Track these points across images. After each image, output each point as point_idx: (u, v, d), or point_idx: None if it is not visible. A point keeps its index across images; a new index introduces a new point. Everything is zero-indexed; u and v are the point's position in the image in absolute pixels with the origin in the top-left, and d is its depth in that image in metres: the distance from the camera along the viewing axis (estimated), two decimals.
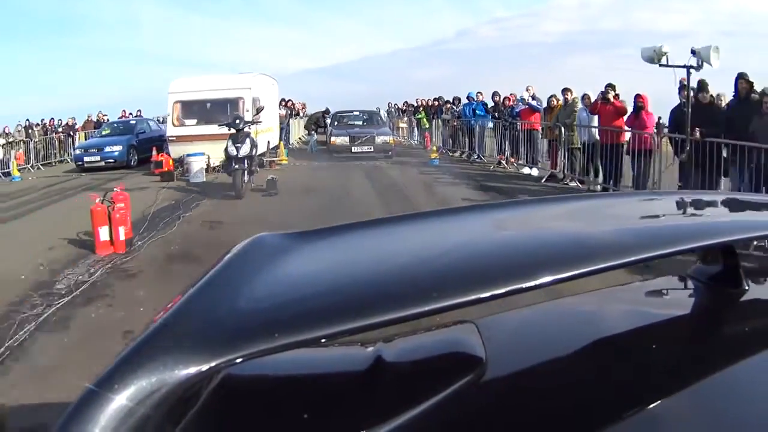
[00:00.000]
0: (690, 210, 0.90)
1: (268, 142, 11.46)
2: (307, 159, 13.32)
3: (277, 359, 0.53)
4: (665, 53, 5.46)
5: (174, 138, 10.69)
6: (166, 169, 10.07)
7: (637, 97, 7.00)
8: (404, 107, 18.88)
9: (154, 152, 11.70)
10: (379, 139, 12.98)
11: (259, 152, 9.44)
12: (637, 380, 0.63)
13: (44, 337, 3.29)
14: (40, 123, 16.13)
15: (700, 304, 0.86)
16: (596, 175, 7.39)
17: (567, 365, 0.69)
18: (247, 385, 0.65)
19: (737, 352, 0.67)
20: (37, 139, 14.81)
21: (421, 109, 15.96)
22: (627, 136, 6.95)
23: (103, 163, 12.29)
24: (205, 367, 0.46)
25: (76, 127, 16.36)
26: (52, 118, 16.79)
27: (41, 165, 13.91)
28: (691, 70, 5.37)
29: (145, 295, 3.97)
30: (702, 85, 5.87)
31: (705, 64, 5.39)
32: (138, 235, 5.64)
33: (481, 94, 12.24)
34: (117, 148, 12.56)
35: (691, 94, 5.48)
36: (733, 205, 0.96)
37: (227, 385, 0.62)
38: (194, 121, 10.76)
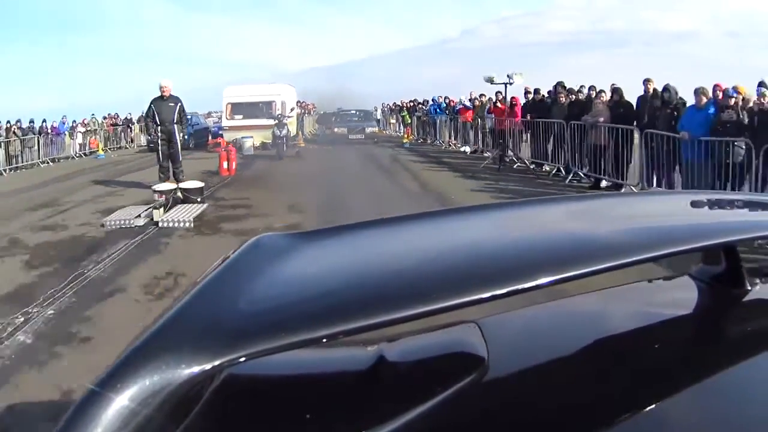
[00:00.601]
0: (692, 210, 0.88)
1: (289, 130, 16.11)
2: (317, 143, 18.44)
3: (280, 359, 0.53)
4: (493, 77, 10.38)
5: (228, 128, 16.00)
6: (223, 147, 15.01)
7: (513, 98, 11.06)
8: (393, 107, 23.95)
9: (210, 137, 16.82)
10: (368, 130, 19.53)
11: (288, 136, 14.62)
12: (639, 380, 0.62)
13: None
14: (106, 117, 21.23)
15: (702, 305, 0.85)
16: (494, 147, 11.77)
17: (569, 365, 0.68)
18: (249, 385, 0.64)
19: (740, 353, 0.67)
20: (105, 129, 19.80)
21: (404, 108, 21.01)
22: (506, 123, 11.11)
23: None
24: (207, 367, 0.46)
25: (132, 119, 21.49)
26: (117, 113, 21.94)
27: (109, 148, 18.91)
28: (508, 85, 10.44)
29: (245, 186, 8.79)
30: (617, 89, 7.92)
31: (514, 81, 10.25)
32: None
33: (441, 98, 17.14)
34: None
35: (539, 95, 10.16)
36: (734, 205, 0.95)
37: (230, 385, 0.61)
38: (241, 116, 16.02)
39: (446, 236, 0.72)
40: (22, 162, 15.00)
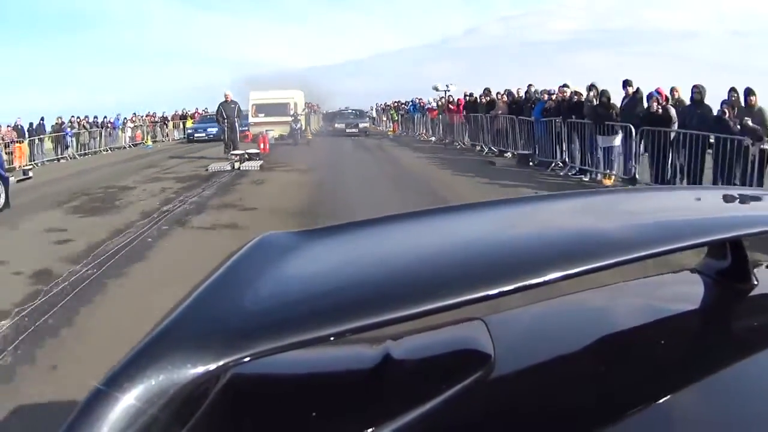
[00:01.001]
0: (697, 205, 0.87)
1: (302, 124, 21.60)
2: (322, 136, 23.94)
3: (285, 358, 0.53)
4: (438, 86, 16.15)
5: (253, 123, 20.70)
6: (250, 138, 19.54)
7: (459, 99, 16.11)
8: (384, 106, 28.89)
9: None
10: (361, 126, 24.37)
11: (301, 129, 20.41)
12: (646, 376, 0.62)
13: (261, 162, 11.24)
14: (147, 114, 26.03)
15: (708, 300, 0.85)
16: (445, 135, 16.75)
17: (575, 362, 0.68)
18: (254, 384, 0.65)
19: (746, 348, 0.67)
20: (146, 125, 24.52)
21: (392, 107, 25.95)
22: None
23: (205, 137, 22.03)
24: (212, 367, 0.45)
25: (168, 117, 26.30)
26: (155, 112, 26.75)
27: (151, 140, 23.62)
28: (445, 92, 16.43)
29: (279, 157, 13.43)
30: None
31: (447, 90, 16.17)
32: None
33: (420, 99, 21.97)
34: (214, 129, 22.01)
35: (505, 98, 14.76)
36: (741, 200, 0.92)
37: (235, 384, 0.61)
38: (263, 114, 20.96)
39: (452, 233, 0.71)
40: (88, 150, 19.66)
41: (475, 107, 14.42)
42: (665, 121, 7.52)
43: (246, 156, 11.72)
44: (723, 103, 6.82)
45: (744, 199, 0.93)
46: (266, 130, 19.11)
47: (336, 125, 25.54)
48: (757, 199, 0.93)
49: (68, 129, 19.12)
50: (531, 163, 10.28)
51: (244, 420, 0.59)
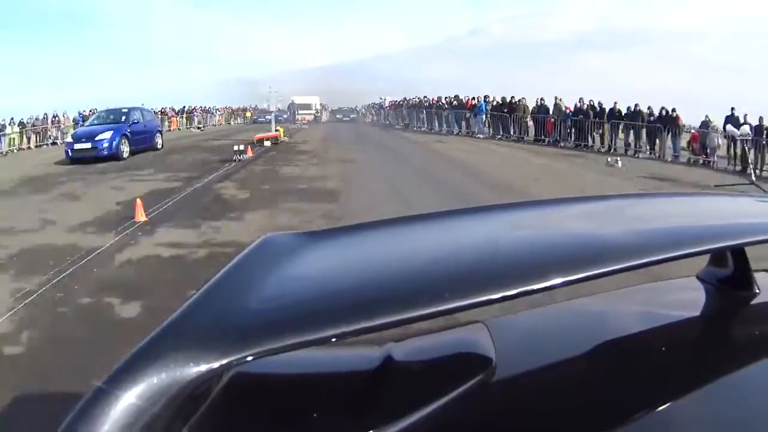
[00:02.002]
0: (701, 212, 0.86)
1: (319, 115, 41.08)
2: (330, 122, 41.30)
3: (287, 359, 0.53)
4: (386, 97, 35.06)
5: (298, 113, 38.29)
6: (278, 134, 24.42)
7: (393, 102, 32.91)
8: (371, 105, 44.72)
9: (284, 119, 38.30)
10: (351, 116, 44.09)
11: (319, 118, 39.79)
12: (647, 382, 0.63)
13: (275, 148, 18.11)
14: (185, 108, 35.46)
15: (711, 307, 0.86)
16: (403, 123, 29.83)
17: (577, 366, 0.69)
18: (256, 384, 0.65)
19: (748, 355, 0.68)
20: (181, 117, 33.47)
21: (372, 105, 42.47)
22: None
23: (264, 121, 35.11)
24: (214, 366, 0.46)
25: (194, 109, 36.76)
26: (186, 106, 35.31)
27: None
28: (385, 100, 35.11)
29: (311, 128, 31.45)
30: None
31: (384, 99, 34.88)
32: (289, 134, 23.78)
33: (385, 99, 37.31)
34: (269, 116, 34.85)
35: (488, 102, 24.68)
36: (745, 208, 0.93)
37: (237, 383, 0.62)
38: (301, 110, 39.11)
39: (455, 237, 0.70)
40: (192, 125, 32.97)
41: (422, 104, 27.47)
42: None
43: (302, 125, 29.26)
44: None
45: (747, 207, 0.93)
46: (304, 116, 35.97)
47: (337, 116, 44.92)
48: (760, 206, 0.93)
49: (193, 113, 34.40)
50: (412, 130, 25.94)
51: (246, 419, 0.59)
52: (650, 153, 16.17)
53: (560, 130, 18.52)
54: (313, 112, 40.53)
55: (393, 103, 33.08)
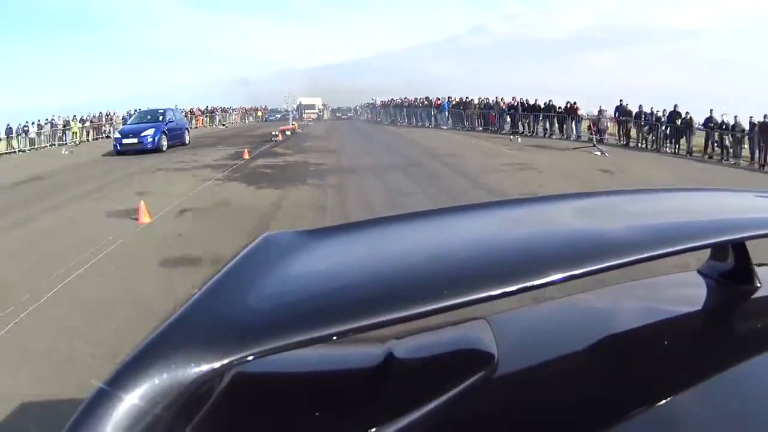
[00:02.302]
0: (702, 207, 0.86)
1: (322, 114, 50.25)
2: (330, 120, 50.25)
3: (288, 357, 0.53)
4: (375, 98, 43.90)
5: (304, 113, 48.19)
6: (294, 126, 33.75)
7: (383, 101, 40.79)
8: (366, 105, 51.61)
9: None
10: (349, 115, 55.52)
11: (321, 116, 49.19)
12: (649, 377, 0.63)
13: (274, 147, 21.28)
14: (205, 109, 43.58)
15: (712, 301, 0.85)
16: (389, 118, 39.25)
17: (578, 362, 0.68)
18: (258, 383, 0.64)
19: (749, 349, 0.67)
20: (205, 116, 41.49)
21: (367, 105, 49.24)
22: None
23: (274, 119, 44.44)
24: (216, 366, 0.46)
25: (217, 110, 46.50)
26: (209, 106, 43.67)
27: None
28: (377, 100, 45.45)
29: (314, 126, 37.61)
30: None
31: (375, 99, 45.04)
32: (300, 128, 32.85)
33: (376, 100, 45.98)
34: (278, 115, 45.01)
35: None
36: (745, 202, 0.92)
37: (239, 383, 0.61)
38: (306, 109, 49.10)
39: (456, 234, 0.70)
40: (215, 123, 40.91)
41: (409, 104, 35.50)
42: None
43: (308, 122, 37.57)
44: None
45: (747, 201, 0.92)
46: (309, 115, 42.43)
47: (336, 114, 54.29)
48: (760, 200, 0.91)
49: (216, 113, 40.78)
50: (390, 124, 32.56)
51: (248, 419, 0.58)
52: (560, 135, 22.36)
53: (499, 121, 24.81)
54: (317, 111, 49.16)
55: (383, 103, 40.46)
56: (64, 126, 27.88)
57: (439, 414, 0.55)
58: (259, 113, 47.40)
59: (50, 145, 26.18)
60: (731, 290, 0.84)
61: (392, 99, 38.36)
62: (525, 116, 24.23)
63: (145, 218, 7.82)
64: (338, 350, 0.72)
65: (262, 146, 19.59)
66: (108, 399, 0.44)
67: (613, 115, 21.02)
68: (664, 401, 0.58)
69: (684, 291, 0.92)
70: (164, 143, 19.09)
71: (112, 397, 0.44)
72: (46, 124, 27.47)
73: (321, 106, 51.80)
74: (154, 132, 18.78)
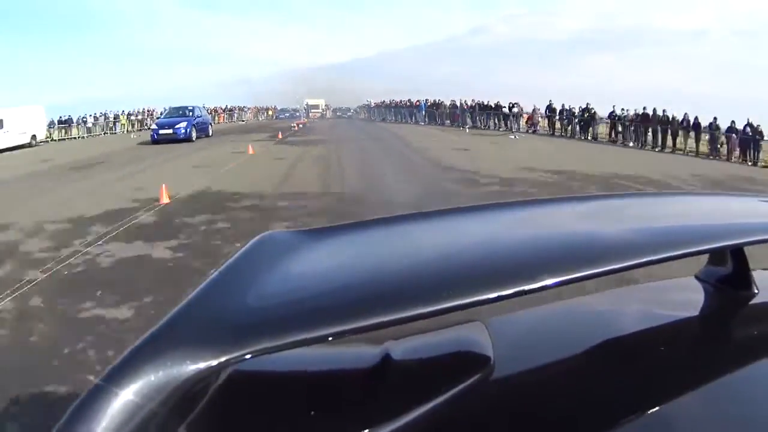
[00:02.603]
0: (700, 212, 0.86)
1: (326, 114, 57.89)
2: (332, 118, 57.25)
3: (285, 356, 0.53)
4: (370, 100, 47.50)
5: (310, 112, 57.36)
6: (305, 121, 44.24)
7: (376, 102, 46.01)
8: (364, 105, 58.12)
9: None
10: (348, 114, 61.45)
11: (325, 115, 55.44)
12: (645, 382, 0.62)
13: (296, 133, 29.43)
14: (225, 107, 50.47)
15: (709, 307, 0.84)
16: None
17: (574, 365, 0.68)
18: (254, 382, 0.64)
19: (746, 355, 0.67)
20: (224, 113, 47.47)
21: (365, 105, 55.98)
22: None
23: (284, 117, 52.25)
24: (212, 364, 0.45)
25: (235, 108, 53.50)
26: (227, 105, 51.15)
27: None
28: (371, 102, 50.47)
29: (318, 122, 45.47)
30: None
31: (370, 101, 49.49)
32: (306, 124, 40.32)
33: (371, 101, 53.11)
34: (287, 114, 54.86)
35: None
36: (744, 207, 0.91)
37: (235, 381, 0.61)
38: (312, 109, 59.05)
39: (454, 236, 0.70)
40: (233, 120, 46.62)
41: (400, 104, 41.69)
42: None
43: (313, 119, 44.84)
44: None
45: (747, 207, 0.91)
46: (314, 113, 50.22)
47: (337, 114, 60.33)
48: (760, 206, 0.91)
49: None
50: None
51: (243, 418, 0.58)
52: (505, 128, 28.97)
53: (462, 118, 31.49)
54: (321, 110, 57.06)
55: (376, 104, 46.89)
56: (114, 119, 35.08)
57: (434, 415, 0.55)
58: (270, 112, 54.63)
59: (104, 134, 33.22)
60: (729, 295, 0.84)
61: (383, 101, 45.91)
62: (480, 114, 30.72)
63: (250, 152, 16.36)
64: (334, 350, 0.72)
65: (287, 132, 26.81)
66: (104, 395, 0.44)
67: (543, 112, 27.48)
68: (660, 406, 0.58)
69: (681, 296, 0.92)
70: (194, 134, 21.86)
71: (108, 393, 0.44)
72: (100, 116, 34.63)
73: (324, 107, 60.10)
74: (186, 125, 21.59)
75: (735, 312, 0.84)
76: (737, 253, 0.82)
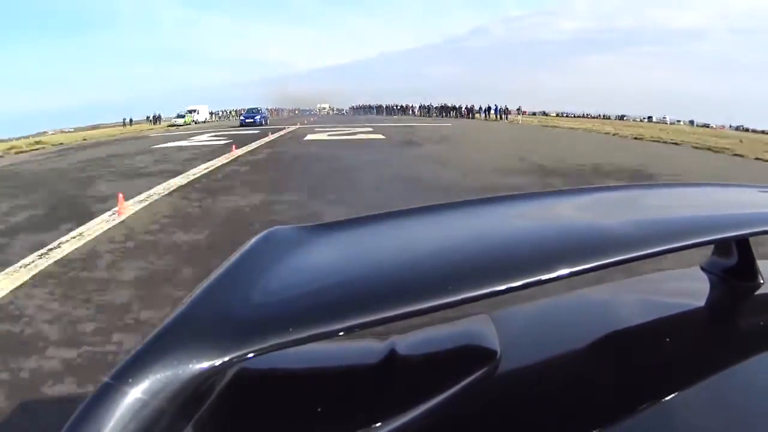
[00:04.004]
0: (706, 202, 0.86)
1: (330, 112, 73.82)
2: (334, 116, 76.07)
3: (291, 353, 0.52)
4: (369, 102, 75.11)
5: (317, 112, 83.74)
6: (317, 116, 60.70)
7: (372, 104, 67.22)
8: (357, 106, 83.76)
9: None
10: (343, 113, 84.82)
11: (329, 113, 68.73)
12: (651, 373, 0.63)
13: (314, 122, 46.89)
14: (239, 109, 72.69)
15: (715, 298, 0.85)
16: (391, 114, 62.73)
17: (581, 357, 0.69)
18: (260, 379, 0.65)
19: (751, 346, 0.68)
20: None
21: (361, 106, 76.69)
22: None
23: (301, 115, 75.88)
24: (219, 362, 0.46)
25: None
26: (275, 107, 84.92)
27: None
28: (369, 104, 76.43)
29: (322, 120, 53.90)
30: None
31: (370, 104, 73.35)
32: (319, 118, 59.32)
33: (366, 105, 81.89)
34: (306, 112, 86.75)
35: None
36: (750, 198, 0.91)
37: (241, 378, 0.62)
38: (322, 109, 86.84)
39: (461, 228, 0.70)
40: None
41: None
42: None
43: (321, 115, 65.63)
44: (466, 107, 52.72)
45: (752, 197, 0.91)
46: (321, 112, 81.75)
47: (335, 112, 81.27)
48: (765, 197, 0.91)
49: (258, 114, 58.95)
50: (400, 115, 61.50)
51: (250, 415, 0.59)
52: (462, 117, 53.44)
53: (429, 113, 58.52)
54: (327, 110, 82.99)
55: (359, 106, 61.13)
56: (231, 112, 63.77)
57: (441, 409, 0.55)
58: (296, 111, 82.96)
59: (219, 119, 60.02)
60: (734, 287, 0.84)
61: (370, 104, 62.25)
62: (446, 110, 51.91)
63: (294, 127, 31.94)
64: (340, 346, 0.72)
65: (310, 121, 46.29)
66: (112, 393, 0.44)
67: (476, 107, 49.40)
68: (666, 397, 0.58)
69: (687, 287, 0.92)
70: (263, 122, 40.86)
71: (116, 392, 0.44)
72: (223, 111, 64.37)
73: (329, 107, 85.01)
74: (260, 116, 41.76)
75: (740, 303, 0.84)
76: (742, 243, 0.82)
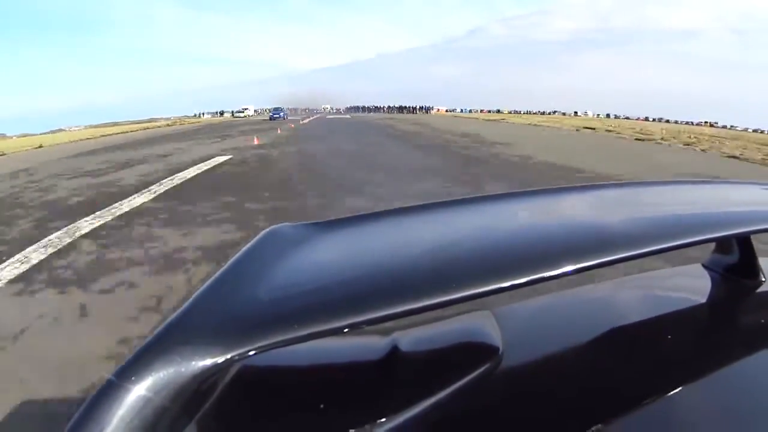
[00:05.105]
0: (708, 200, 0.86)
1: (332, 111, 63.47)
2: (334, 116, 71.09)
3: (294, 350, 0.52)
4: (375, 104, 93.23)
5: (324, 110, 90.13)
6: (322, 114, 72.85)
7: (378, 106, 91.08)
8: (351, 107, 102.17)
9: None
10: (340, 113, 73.87)
11: (332, 112, 63.35)
12: (653, 369, 0.63)
13: (320, 118, 62.65)
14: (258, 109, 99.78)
15: (716, 295, 0.85)
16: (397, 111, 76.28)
17: (583, 354, 0.69)
18: (263, 376, 0.65)
19: (753, 344, 0.68)
20: (252, 113, 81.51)
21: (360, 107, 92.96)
22: None
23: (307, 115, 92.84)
24: (221, 359, 0.46)
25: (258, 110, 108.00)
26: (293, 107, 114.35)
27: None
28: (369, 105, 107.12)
29: (326, 117, 68.82)
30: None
31: (371, 105, 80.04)
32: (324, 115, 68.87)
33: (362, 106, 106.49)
34: (312, 111, 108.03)
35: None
36: (751, 196, 0.91)
37: (244, 375, 0.62)
38: (328, 110, 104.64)
39: (464, 225, 0.70)
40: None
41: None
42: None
43: (324, 115, 61.78)
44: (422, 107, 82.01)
45: (754, 195, 0.90)
46: (328, 113, 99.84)
47: (332, 112, 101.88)
48: (765, 194, 0.91)
49: (282, 111, 72.02)
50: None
51: (253, 411, 0.59)
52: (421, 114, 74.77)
53: (403, 111, 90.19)
54: (329, 109, 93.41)
55: (348, 107, 75.45)
56: (263, 110, 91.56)
57: (444, 405, 0.55)
58: (306, 110, 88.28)
59: (250, 117, 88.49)
60: (736, 284, 0.84)
61: (357, 105, 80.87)
62: (410, 109, 75.81)
63: (310, 118, 58.99)
64: (342, 342, 0.72)
65: (318, 115, 71.20)
66: (115, 390, 0.44)
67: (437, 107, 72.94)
68: (668, 393, 0.58)
69: (688, 284, 0.92)
70: (285, 117, 57.66)
71: (120, 389, 0.44)
72: (258, 108, 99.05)
73: (330, 107, 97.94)
74: (283, 113, 60.37)
75: (742, 300, 0.83)
76: (744, 241, 0.82)
